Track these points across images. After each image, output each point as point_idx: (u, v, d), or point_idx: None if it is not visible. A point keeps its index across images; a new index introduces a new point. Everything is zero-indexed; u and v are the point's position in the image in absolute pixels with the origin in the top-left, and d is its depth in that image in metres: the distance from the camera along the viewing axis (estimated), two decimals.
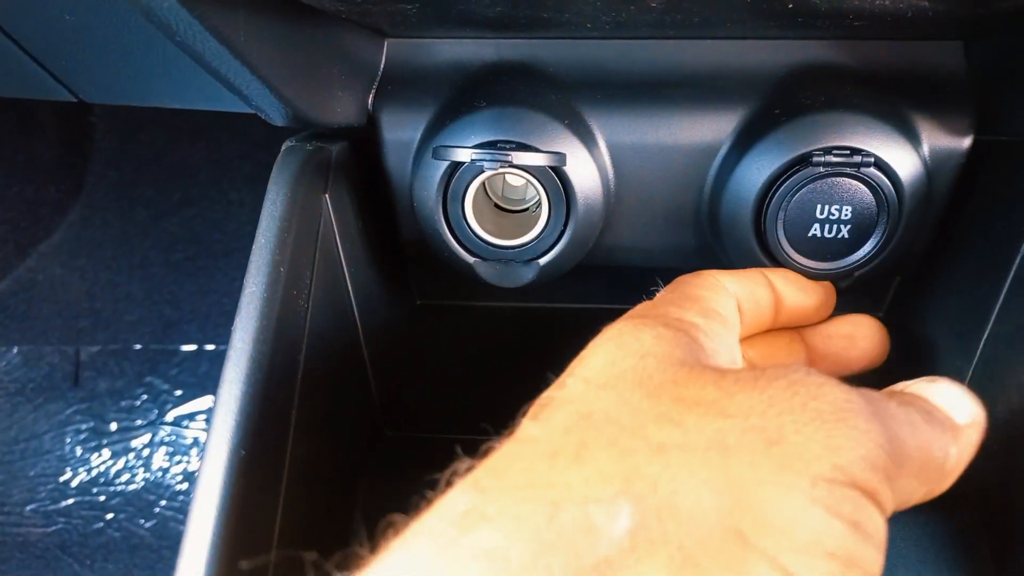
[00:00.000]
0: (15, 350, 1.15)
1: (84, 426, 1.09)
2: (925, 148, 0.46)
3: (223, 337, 1.12)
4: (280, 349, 0.39)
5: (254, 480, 0.35)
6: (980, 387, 0.46)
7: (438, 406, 0.59)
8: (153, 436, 1.06)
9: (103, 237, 1.21)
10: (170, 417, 1.07)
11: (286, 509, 0.40)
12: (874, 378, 0.57)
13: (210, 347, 1.11)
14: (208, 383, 1.09)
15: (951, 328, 0.50)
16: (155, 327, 1.13)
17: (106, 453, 1.06)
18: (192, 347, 1.11)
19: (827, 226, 0.46)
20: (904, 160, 0.44)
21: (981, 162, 0.47)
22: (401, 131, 0.50)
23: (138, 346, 1.12)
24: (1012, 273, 0.44)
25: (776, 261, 0.47)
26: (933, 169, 0.46)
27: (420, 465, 0.54)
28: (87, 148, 1.23)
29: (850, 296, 0.50)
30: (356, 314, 0.51)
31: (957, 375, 0.48)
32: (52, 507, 1.03)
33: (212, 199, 1.20)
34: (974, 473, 0.31)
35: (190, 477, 1.03)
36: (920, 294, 0.55)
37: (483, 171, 0.46)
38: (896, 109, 0.46)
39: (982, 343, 0.46)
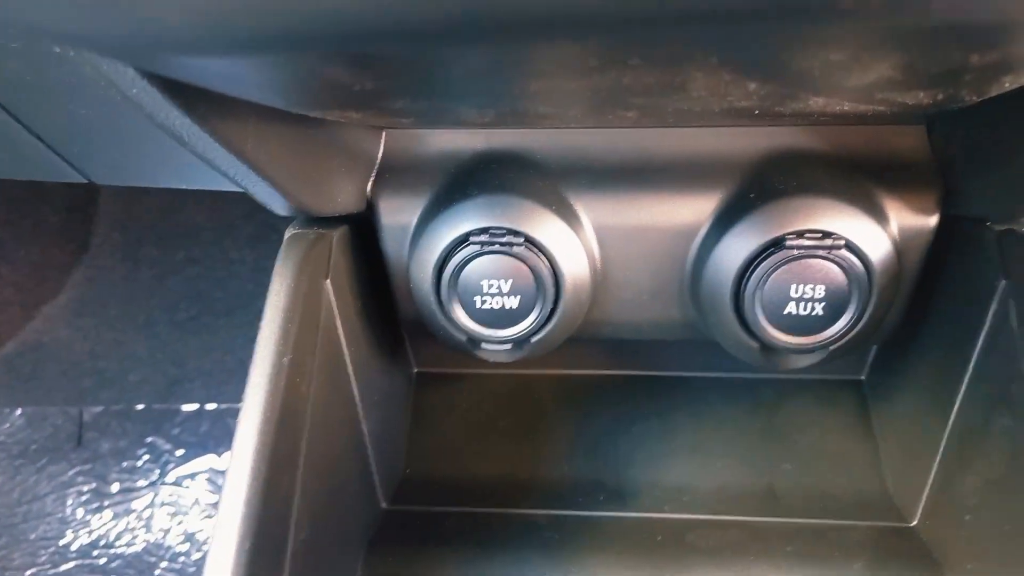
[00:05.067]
0: (19, 412, 1.17)
1: (86, 487, 1.10)
2: (894, 227, 0.49)
3: (225, 395, 1.14)
4: (283, 439, 0.41)
5: (258, 569, 0.37)
6: (953, 455, 0.49)
7: (437, 478, 0.61)
8: (154, 497, 1.06)
9: (108, 297, 1.24)
10: (171, 477, 1.08)
11: None
12: (858, 439, 0.60)
13: (212, 406, 1.13)
14: (209, 442, 1.10)
15: (926, 394, 0.52)
16: (158, 386, 1.15)
17: (107, 515, 1.06)
18: (194, 406, 1.13)
19: (802, 304, 0.48)
20: (873, 240, 0.47)
21: (950, 236, 0.50)
22: (399, 216, 0.53)
23: (141, 406, 1.14)
24: (979, 343, 0.46)
25: (755, 336, 0.49)
26: (903, 247, 0.49)
27: (419, 539, 0.56)
28: (92, 211, 1.26)
29: (832, 360, 0.52)
30: (355, 390, 0.53)
31: (933, 441, 0.50)
32: (53, 571, 1.03)
33: (214, 258, 1.23)
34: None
35: (191, 538, 1.03)
36: (898, 359, 0.58)
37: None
38: (864, 191, 0.48)
39: (954, 411, 0.48)
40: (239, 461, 0.39)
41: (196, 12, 0.21)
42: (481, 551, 0.52)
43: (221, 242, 1.22)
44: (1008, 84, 0.33)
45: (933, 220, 0.49)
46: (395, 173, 0.53)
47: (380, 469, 0.57)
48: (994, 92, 0.34)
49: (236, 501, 0.39)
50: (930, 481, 0.51)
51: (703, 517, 0.55)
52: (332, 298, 0.50)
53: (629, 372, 0.65)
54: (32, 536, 1.06)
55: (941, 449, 0.49)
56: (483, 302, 0.50)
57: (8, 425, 1.15)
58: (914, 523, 0.52)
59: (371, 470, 0.56)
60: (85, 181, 0.69)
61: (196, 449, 1.09)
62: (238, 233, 1.24)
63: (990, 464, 0.44)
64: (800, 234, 0.47)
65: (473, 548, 0.52)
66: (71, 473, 1.10)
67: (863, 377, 0.63)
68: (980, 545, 0.45)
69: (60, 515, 1.07)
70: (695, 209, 0.50)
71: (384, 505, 0.58)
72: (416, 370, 0.68)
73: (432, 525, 0.56)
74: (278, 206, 0.47)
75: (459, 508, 0.57)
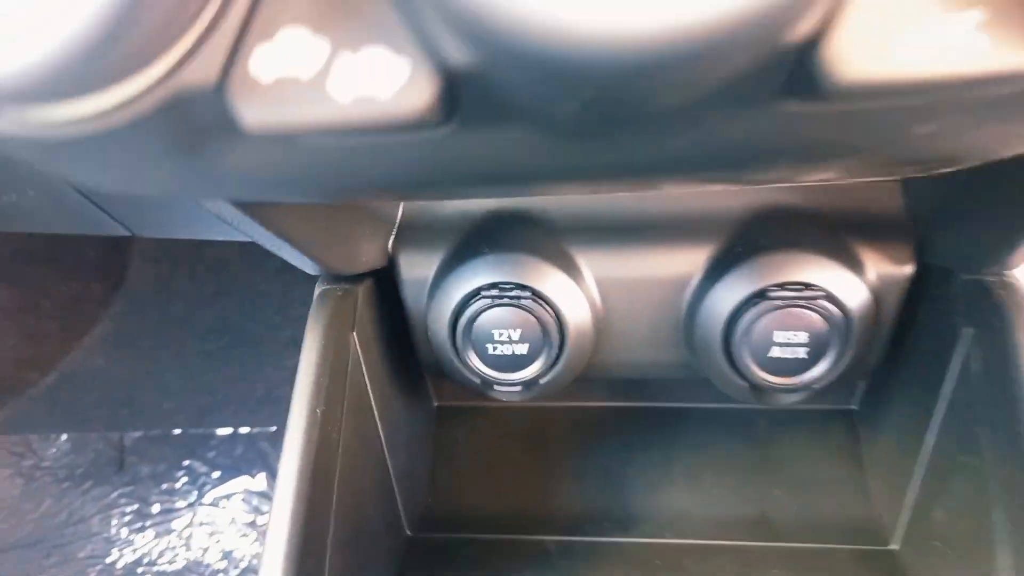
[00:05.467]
0: (63, 437, 1.23)
1: (128, 508, 1.16)
2: (872, 276, 0.53)
3: (256, 420, 1.20)
4: (318, 483, 0.46)
5: None
6: (927, 486, 0.53)
7: (457, 507, 0.66)
8: (193, 517, 1.13)
9: (143, 329, 1.30)
10: (208, 498, 1.14)
11: None
12: (847, 467, 0.64)
13: (244, 430, 1.19)
14: (243, 465, 1.16)
15: (906, 427, 0.57)
16: (192, 413, 1.21)
17: (150, 534, 1.13)
18: (228, 430, 1.19)
19: (786, 348, 0.52)
20: (851, 290, 0.51)
21: (926, 283, 0.54)
22: (417, 270, 0.58)
23: (177, 431, 1.20)
24: (950, 385, 0.50)
25: (744, 377, 0.54)
26: (880, 295, 0.53)
27: (442, 564, 0.61)
28: (127, 247, 1.33)
29: (826, 392, 0.56)
30: (380, 430, 0.59)
31: (910, 471, 0.54)
32: None
33: (243, 291, 1.29)
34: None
35: (228, 556, 1.09)
36: (884, 393, 0.62)
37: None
38: (842, 244, 0.53)
39: (930, 446, 0.52)
40: (280, 504, 0.44)
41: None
42: (488, 572, 0.57)
43: (249, 274, 1.28)
44: (967, 164, 0.36)
45: (908, 269, 0.53)
46: (414, 232, 0.58)
47: (405, 501, 0.62)
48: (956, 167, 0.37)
49: (279, 539, 0.44)
50: (909, 508, 0.55)
51: (699, 542, 0.59)
52: (358, 348, 0.55)
53: (633, 404, 0.70)
54: (80, 555, 1.12)
55: (919, 480, 0.53)
56: (495, 349, 0.55)
57: (54, 451, 1.22)
58: (895, 546, 0.57)
59: (396, 502, 0.61)
60: (128, 234, 0.75)
61: (231, 471, 1.15)
62: (266, 265, 1.30)
63: (956, 498, 0.48)
64: (782, 286, 0.51)
65: (487, 573, 0.57)
66: (114, 495, 1.17)
67: (855, 407, 0.68)
68: (947, 570, 0.49)
69: (105, 535, 1.14)
70: (687, 262, 0.55)
71: (409, 533, 0.63)
72: (437, 404, 0.73)
73: (453, 551, 0.61)
74: (308, 268, 0.52)
75: (478, 535, 0.62)
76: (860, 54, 0.16)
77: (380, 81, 0.18)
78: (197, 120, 0.19)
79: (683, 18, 0.14)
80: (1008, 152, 0.23)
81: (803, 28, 0.16)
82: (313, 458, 0.47)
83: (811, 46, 0.17)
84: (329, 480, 0.48)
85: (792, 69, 0.17)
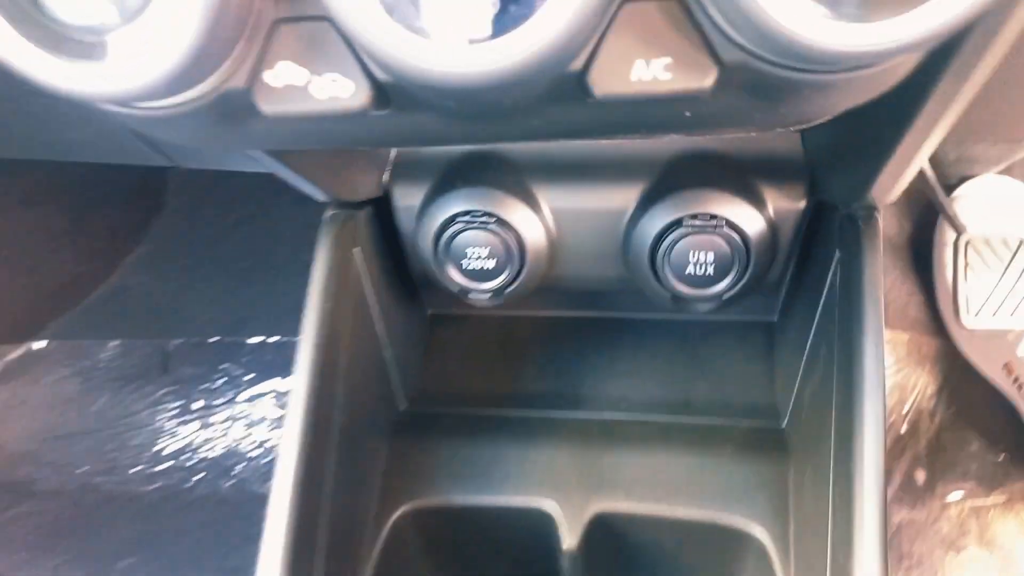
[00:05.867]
0: (114, 343, 1.40)
1: (173, 405, 1.33)
2: (770, 210, 0.65)
3: (284, 330, 1.36)
4: (327, 363, 0.61)
5: (312, 452, 0.58)
6: (804, 374, 0.67)
7: (443, 389, 0.82)
8: (230, 412, 1.30)
9: (179, 250, 1.46)
10: (243, 397, 1.31)
11: (337, 464, 0.62)
12: (762, 366, 0.77)
13: (273, 339, 1.35)
14: (273, 369, 1.32)
15: (798, 331, 0.70)
16: (227, 324, 1.37)
17: (193, 426, 1.30)
18: (259, 339, 1.35)
19: (698, 266, 0.66)
20: (750, 221, 0.64)
21: (816, 216, 0.66)
22: (408, 199, 0.71)
23: (214, 339, 1.37)
24: (823, 297, 0.64)
25: (666, 288, 0.67)
26: (778, 225, 0.66)
27: (429, 432, 0.76)
28: (163, 176, 1.48)
29: (749, 304, 0.69)
30: (377, 326, 0.73)
31: (797, 365, 0.68)
32: (152, 469, 1.28)
33: (266, 218, 1.44)
34: None
35: (262, 445, 1.27)
36: (788, 306, 0.75)
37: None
38: (747, 183, 0.65)
39: (808, 342, 0.66)
40: (299, 375, 0.59)
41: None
42: (470, 440, 0.73)
43: (270, 203, 1.43)
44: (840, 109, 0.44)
45: (801, 204, 0.65)
46: (405, 168, 0.71)
47: (400, 383, 0.77)
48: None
49: (297, 405, 0.59)
50: (794, 394, 0.69)
51: (630, 417, 0.74)
52: (360, 261, 0.69)
53: (587, 314, 0.84)
54: (133, 443, 1.30)
55: (800, 371, 0.67)
56: (469, 263, 0.69)
57: (106, 355, 1.39)
58: (783, 424, 0.71)
59: (391, 385, 0.76)
60: (169, 164, 0.88)
61: (263, 374, 1.32)
62: (285, 195, 1.44)
63: (815, 381, 0.62)
64: (695, 216, 0.64)
65: (464, 437, 0.73)
66: (160, 393, 1.34)
67: (775, 319, 0.81)
68: (809, 434, 0.63)
69: (153, 427, 1.32)
70: (624, 196, 0.68)
71: (403, 407, 0.79)
72: (429, 312, 0.88)
73: (437, 422, 0.77)
74: (318, 195, 0.66)
75: (457, 409, 0.77)
76: (608, 80, 0.29)
77: (340, 89, 0.31)
78: (235, 107, 0.33)
79: (493, 66, 0.27)
80: (750, 127, 0.35)
81: (573, 66, 0.29)
82: (324, 345, 0.61)
83: (582, 74, 0.30)
84: (336, 363, 0.63)
85: (576, 85, 0.30)
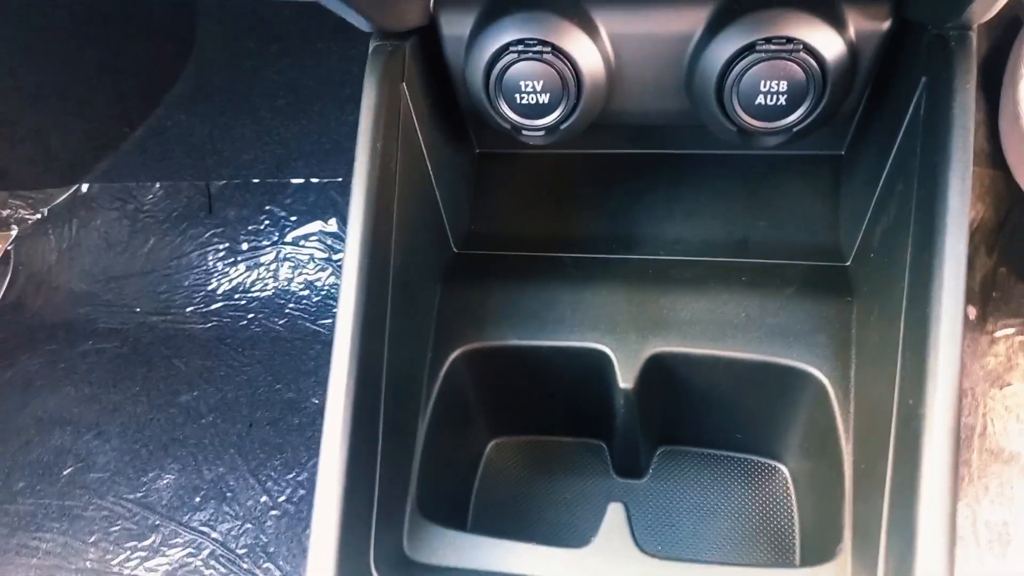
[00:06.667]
0: (157, 185, 1.40)
1: (221, 246, 1.35)
2: (851, 32, 0.60)
3: (326, 172, 1.34)
4: (381, 202, 0.59)
5: (372, 289, 0.57)
6: (875, 212, 0.64)
7: (495, 231, 0.80)
8: (277, 253, 1.31)
9: (215, 87, 1.42)
10: (289, 238, 1.31)
11: (393, 307, 0.62)
12: (827, 203, 0.74)
13: (315, 180, 1.33)
14: (316, 210, 1.32)
15: (871, 165, 0.66)
16: (269, 164, 1.35)
17: (242, 267, 1.32)
18: (300, 180, 1.34)
19: (769, 96, 0.61)
20: (828, 44, 0.59)
21: (902, 39, 0.61)
22: (455, 28, 0.66)
23: (256, 180, 1.36)
24: (903, 127, 0.59)
25: (732, 121, 0.63)
26: (858, 48, 0.60)
27: (482, 274, 0.76)
28: (193, 9, 1.41)
29: (817, 138, 0.64)
30: (429, 166, 0.71)
31: (867, 201, 0.65)
32: (206, 309, 1.31)
33: (303, 50, 1.38)
34: None
35: (310, 285, 1.29)
36: (861, 138, 0.71)
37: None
38: (827, 2, 0.59)
39: (882, 178, 0.62)
40: (354, 216, 0.58)
41: None
42: (523, 283, 0.72)
43: (307, 33, 1.36)
44: None
45: (885, 24, 0.60)
46: None
47: (451, 225, 0.76)
48: None
49: (355, 247, 0.58)
50: (862, 232, 0.66)
51: (686, 258, 0.72)
52: (408, 97, 0.66)
53: (643, 151, 0.80)
54: (186, 283, 1.33)
55: (871, 208, 0.64)
56: (522, 98, 0.65)
57: (151, 197, 1.40)
58: (848, 263, 0.69)
59: (444, 225, 0.75)
60: None
61: (307, 216, 1.32)
62: (322, 23, 1.37)
63: (888, 218, 0.59)
64: (768, 40, 0.59)
65: (517, 280, 0.72)
66: (207, 235, 1.36)
67: (842, 153, 0.77)
68: (875, 278, 0.61)
69: (204, 267, 1.34)
70: (689, 19, 0.62)
71: (455, 250, 0.78)
72: (478, 151, 0.85)
73: (490, 264, 0.76)
74: (361, 24, 0.62)
75: (509, 252, 0.76)
76: None
77: None
78: None
79: None
80: None
81: None
82: (376, 182, 0.60)
83: None
84: (389, 199, 0.62)
85: None
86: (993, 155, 1.14)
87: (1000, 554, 1.00)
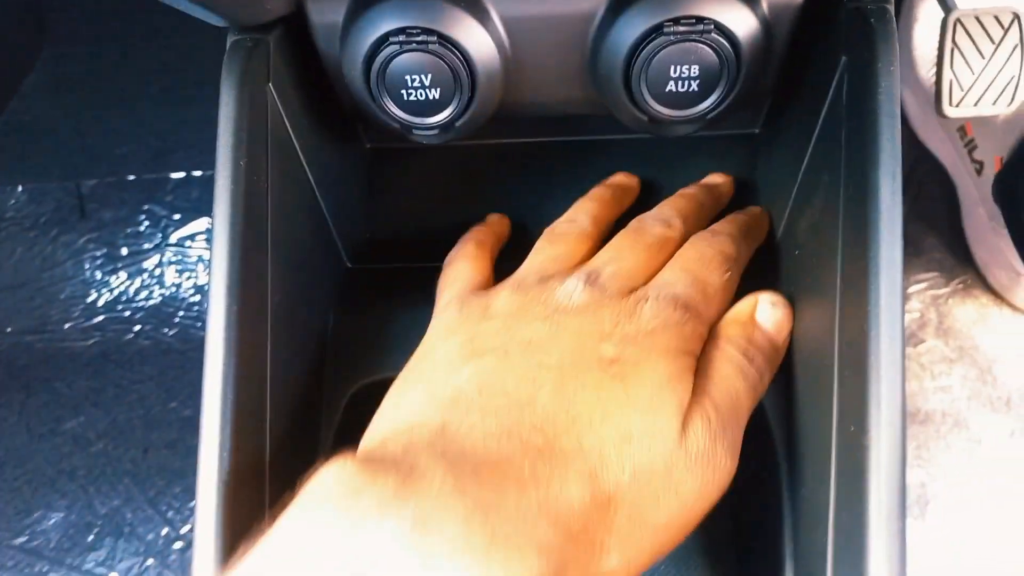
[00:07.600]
0: (20, 188, 1.26)
1: (98, 252, 1.23)
2: (764, 7, 0.55)
3: (208, 163, 1.22)
4: (250, 227, 0.51)
5: (245, 340, 0.49)
6: (797, 202, 0.59)
7: (393, 238, 0.73)
8: (161, 257, 1.20)
9: (78, 73, 1.27)
10: (173, 239, 1.20)
11: (274, 353, 0.54)
12: (744, 187, 0.70)
13: (197, 173, 1.22)
14: (201, 206, 1.21)
15: (790, 149, 0.62)
16: (145, 158, 1.23)
17: (123, 275, 1.21)
18: (181, 174, 1.22)
19: (680, 82, 0.56)
20: (742, 23, 0.53)
21: (816, 15, 0.56)
22: (326, 15, 0.58)
23: (132, 177, 1.23)
24: (824, 110, 0.55)
25: (641, 110, 0.57)
26: (771, 24, 0.55)
27: (381, 292, 0.68)
28: None
29: (731, 119, 0.60)
30: (308, 171, 0.63)
31: (788, 189, 0.61)
32: (86, 323, 1.20)
33: (177, 28, 1.25)
34: None
35: (200, 290, 1.18)
36: (777, 117, 0.66)
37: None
38: None
39: (803, 165, 0.58)
40: (217, 247, 0.50)
41: None
42: (428, 297, 0.65)
43: (181, 13, 1.23)
44: None
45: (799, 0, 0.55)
46: None
47: (342, 236, 0.68)
48: None
49: (220, 276, 0.50)
50: (784, 222, 0.62)
51: None
52: (276, 99, 0.57)
53: (548, 139, 0.74)
54: (62, 296, 1.21)
55: (792, 195, 0.60)
56: (409, 94, 0.58)
57: (14, 202, 1.25)
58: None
59: (333, 238, 0.67)
60: None
61: (191, 213, 1.21)
62: None
63: (815, 213, 0.54)
64: (677, 20, 0.53)
65: (421, 295, 0.65)
66: (82, 241, 1.23)
67: (757, 131, 0.72)
68: (800, 279, 0.57)
69: (81, 277, 1.22)
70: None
71: (348, 265, 0.70)
72: (369, 146, 0.76)
73: (389, 279, 0.69)
74: (212, 20, 0.53)
75: (411, 264, 0.69)
76: None
77: None
78: None
79: None
80: None
81: None
82: (243, 205, 0.51)
83: None
84: (261, 222, 0.54)
85: None
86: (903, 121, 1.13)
87: (919, 515, 1.00)
